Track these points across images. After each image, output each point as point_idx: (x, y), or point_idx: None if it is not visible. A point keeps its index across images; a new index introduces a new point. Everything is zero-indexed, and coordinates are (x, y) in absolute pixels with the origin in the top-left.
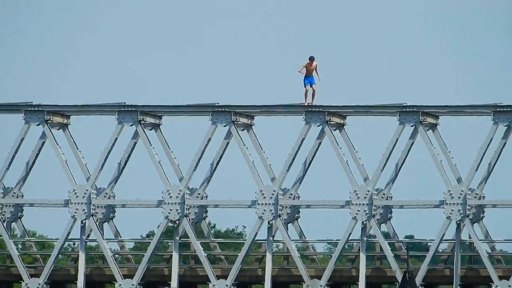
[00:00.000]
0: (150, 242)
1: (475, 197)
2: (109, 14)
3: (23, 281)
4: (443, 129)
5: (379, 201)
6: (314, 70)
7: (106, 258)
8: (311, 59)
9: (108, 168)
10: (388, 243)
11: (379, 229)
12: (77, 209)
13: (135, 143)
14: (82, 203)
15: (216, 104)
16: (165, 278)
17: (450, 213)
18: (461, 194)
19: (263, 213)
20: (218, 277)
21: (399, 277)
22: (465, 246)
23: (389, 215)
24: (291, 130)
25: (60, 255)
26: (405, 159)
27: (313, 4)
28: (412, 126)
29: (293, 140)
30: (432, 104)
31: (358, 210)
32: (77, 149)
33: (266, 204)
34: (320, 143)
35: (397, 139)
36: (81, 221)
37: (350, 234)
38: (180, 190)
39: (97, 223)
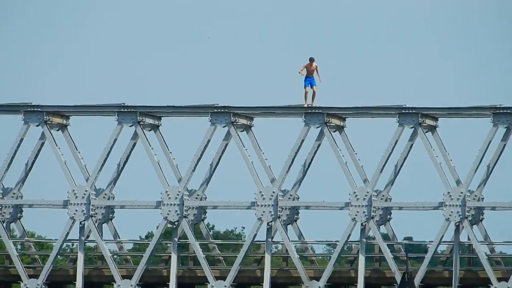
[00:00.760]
0: (149, 243)
1: (474, 199)
2: (109, 15)
3: (22, 281)
4: (443, 131)
5: (378, 202)
6: (315, 71)
7: (105, 258)
8: (311, 60)
9: (107, 169)
10: (387, 245)
11: (378, 230)
12: (76, 210)
13: (135, 144)
14: (81, 204)
15: (216, 105)
16: (164, 279)
17: (449, 215)
18: (460, 196)
19: (262, 214)
20: (216, 278)
21: (398, 278)
22: (464, 248)
23: (388, 217)
24: (291, 131)
25: (59, 256)
26: (404, 160)
27: (313, 5)
28: (411, 128)
29: (292, 141)
30: (431, 106)
31: (357, 212)
32: (77, 149)
33: (265, 205)
34: (319, 144)
35: (396, 141)
36: (80, 222)
37: (349, 235)
38: (179, 191)
39: (96, 224)
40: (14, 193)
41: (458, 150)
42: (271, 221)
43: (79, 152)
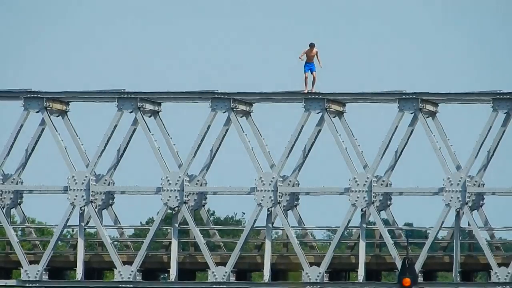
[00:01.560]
0: (149, 229)
1: (474, 185)
2: (109, 1)
3: (22, 267)
4: (443, 116)
5: (378, 188)
6: (315, 56)
7: (105, 245)
8: (311, 45)
9: (107, 154)
10: (388, 230)
11: (379, 216)
12: (76, 196)
13: (135, 129)
14: (81, 189)
15: (216, 91)
16: (164, 265)
17: (450, 201)
18: (460, 181)
19: (262, 200)
20: (217, 264)
21: (398, 264)
22: (465, 233)
23: (389, 202)
24: (291, 117)
25: (59, 242)
26: (404, 146)
27: None
28: (411, 113)
29: (292, 127)
30: (431, 91)
31: (358, 197)
32: (77, 135)
33: (265, 191)
34: (319, 130)
35: (396, 126)
36: (80, 207)
37: (349, 221)
38: (179, 177)
39: (96, 210)
40: (14, 179)
41: (458, 136)
42: (271, 207)
43: (79, 138)
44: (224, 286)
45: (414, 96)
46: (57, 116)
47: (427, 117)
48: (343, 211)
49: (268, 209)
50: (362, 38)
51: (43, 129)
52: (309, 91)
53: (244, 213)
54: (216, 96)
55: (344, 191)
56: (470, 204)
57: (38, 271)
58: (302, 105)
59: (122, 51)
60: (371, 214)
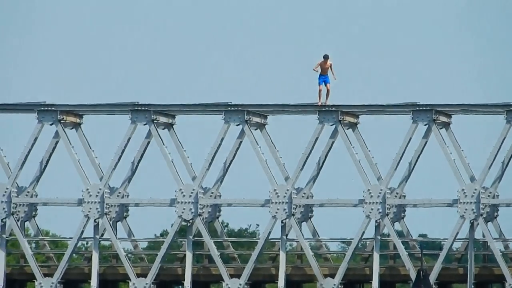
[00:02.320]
0: (163, 241)
1: (488, 196)
2: (122, 14)
3: (37, 280)
4: (456, 127)
5: (392, 199)
6: (329, 68)
7: (119, 257)
8: (326, 57)
9: (121, 167)
10: (402, 242)
11: (393, 227)
12: (90, 208)
13: (148, 142)
14: (95, 202)
15: (229, 103)
16: (179, 277)
17: (464, 212)
18: (474, 192)
19: (276, 212)
20: (231, 276)
21: (413, 275)
22: (479, 244)
23: (403, 214)
24: (305, 129)
25: (73, 254)
26: (418, 157)
27: (327, 3)
28: (425, 125)
29: (306, 139)
30: (445, 103)
31: (372, 209)
32: (90, 148)
33: (279, 203)
34: (333, 142)
35: (410, 138)
36: (95, 220)
37: (363, 232)
38: (193, 189)
39: (111, 222)
40: (28, 192)
41: (472, 147)
42: (285, 219)
43: (93, 151)
44: None
45: (427, 108)
46: (71, 129)
47: (440, 129)
48: (357, 223)
49: (282, 221)
50: (375, 50)
51: (57, 142)
52: (323, 103)
53: (258, 225)
54: (230, 108)
55: (358, 203)
56: (484, 216)
57: (53, 283)
58: (316, 117)
59: (136, 63)
60: (385, 225)
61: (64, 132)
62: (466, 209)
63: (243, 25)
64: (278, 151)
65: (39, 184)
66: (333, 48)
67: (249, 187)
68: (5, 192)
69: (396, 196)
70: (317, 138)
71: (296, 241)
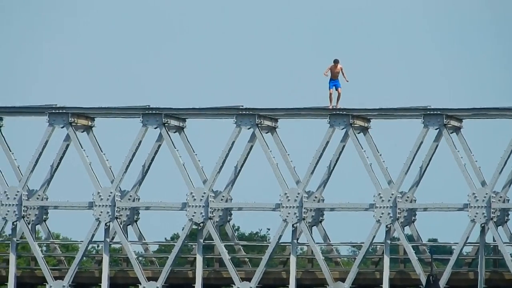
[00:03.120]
0: (174, 245)
1: (499, 200)
2: (134, 17)
3: (47, 283)
4: (467, 132)
5: (403, 204)
6: (340, 72)
7: (130, 260)
8: (336, 62)
9: (132, 170)
10: (412, 246)
11: (403, 232)
12: (101, 212)
13: (159, 145)
14: (106, 205)
15: (241, 107)
16: (189, 280)
17: (475, 216)
18: (485, 197)
19: (287, 216)
20: (242, 280)
21: (423, 280)
22: (489, 249)
23: (413, 218)
24: (315, 133)
25: (84, 258)
26: (429, 162)
27: (337, 7)
28: (436, 129)
29: (317, 143)
30: (456, 107)
31: (382, 213)
32: (101, 151)
33: (290, 207)
34: (344, 146)
35: (421, 142)
36: (105, 223)
37: (374, 237)
38: (204, 193)
39: (121, 226)
40: (39, 195)
41: (483, 151)
42: (296, 223)
43: (104, 154)
44: None
45: (438, 112)
46: (82, 132)
47: (451, 133)
48: (367, 227)
49: (293, 225)
50: (386, 54)
51: (68, 145)
52: (334, 107)
53: (269, 229)
54: (241, 112)
55: (369, 207)
56: (495, 220)
57: (63, 286)
58: (327, 121)
59: (147, 67)
60: (396, 230)
61: (75, 135)
62: (476, 213)
63: (254, 29)
64: (289, 154)
65: (50, 187)
66: (344, 51)
67: (260, 191)
68: (16, 195)
69: (406, 200)
70: (328, 142)
71: (307, 245)
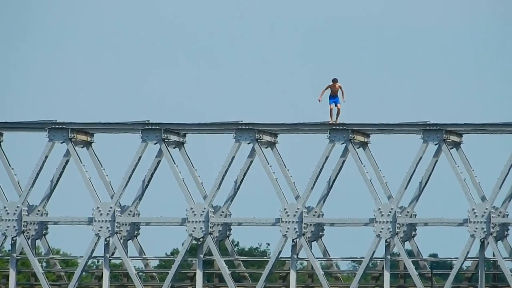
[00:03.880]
0: (174, 260)
1: (499, 215)
2: (133, 32)
3: None
4: (467, 147)
5: (403, 219)
6: (339, 90)
7: (130, 276)
8: (334, 81)
9: (132, 186)
10: (412, 261)
11: (403, 247)
12: (101, 227)
13: (159, 161)
14: (106, 220)
15: (240, 122)
16: None
17: (474, 231)
18: (485, 212)
19: (287, 231)
20: None
21: None
22: (489, 264)
23: (413, 233)
24: (315, 148)
25: (84, 273)
26: (429, 177)
27: (336, 22)
28: (435, 144)
29: (317, 158)
30: (455, 122)
31: (382, 228)
32: (101, 167)
33: (290, 222)
34: (344, 161)
35: (420, 157)
36: (105, 238)
37: (374, 252)
38: (204, 208)
39: (121, 241)
40: (39, 210)
41: (482, 167)
42: (296, 238)
43: (103, 169)
44: None
45: (438, 128)
46: (82, 147)
47: (451, 148)
48: (367, 242)
49: (293, 240)
50: (385, 69)
51: (67, 160)
52: (334, 122)
53: (269, 244)
54: (240, 127)
55: (369, 222)
56: (494, 235)
57: None
58: (327, 136)
59: (147, 82)
60: (396, 245)
61: (75, 150)
62: (476, 228)
63: (254, 44)
64: (288, 170)
65: (50, 203)
66: (343, 66)
67: (259, 206)
68: (16, 210)
69: (406, 215)
70: (327, 157)
71: (307, 260)
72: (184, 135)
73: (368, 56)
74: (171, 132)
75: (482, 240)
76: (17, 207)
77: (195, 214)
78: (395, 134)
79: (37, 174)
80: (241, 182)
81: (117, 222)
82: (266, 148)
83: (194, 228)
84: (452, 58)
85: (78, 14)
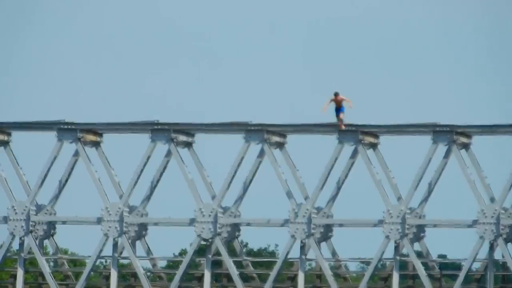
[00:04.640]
0: (182, 260)
1: (508, 217)
2: (141, 33)
3: None
4: (476, 148)
5: (412, 220)
6: (343, 101)
7: (138, 276)
8: (336, 94)
9: (140, 186)
10: (421, 262)
11: (412, 248)
12: (109, 227)
13: (168, 161)
14: (114, 221)
15: (249, 123)
16: None
17: (483, 233)
18: (494, 213)
19: (295, 232)
20: None
21: None
22: (498, 265)
23: (422, 234)
24: (324, 149)
25: (92, 273)
26: (438, 178)
27: (344, 23)
28: (445, 145)
29: (326, 159)
30: (465, 123)
31: (391, 229)
32: (110, 167)
33: (299, 222)
34: (353, 162)
35: (430, 159)
36: (114, 238)
37: (383, 253)
38: (213, 209)
39: (130, 241)
40: (47, 210)
41: (492, 168)
42: (305, 239)
43: (112, 169)
44: None
45: (448, 129)
46: (91, 147)
47: (461, 149)
48: (376, 243)
49: (301, 241)
50: (395, 71)
51: (76, 160)
52: (345, 125)
53: (277, 245)
54: (250, 127)
55: (378, 223)
56: (504, 236)
57: None
58: (336, 137)
59: (156, 82)
60: (405, 246)
61: (84, 150)
62: (485, 230)
63: (263, 44)
64: (298, 170)
65: (58, 203)
66: (353, 67)
67: (268, 207)
68: (24, 210)
69: (415, 216)
70: (336, 158)
71: (315, 261)
72: (193, 135)
73: (378, 57)
74: (180, 132)
75: (492, 241)
76: (26, 207)
77: (203, 215)
78: (404, 135)
79: (46, 174)
80: (250, 182)
81: (125, 222)
82: (275, 148)
83: (203, 228)
84: (462, 59)
85: (90, 15)
